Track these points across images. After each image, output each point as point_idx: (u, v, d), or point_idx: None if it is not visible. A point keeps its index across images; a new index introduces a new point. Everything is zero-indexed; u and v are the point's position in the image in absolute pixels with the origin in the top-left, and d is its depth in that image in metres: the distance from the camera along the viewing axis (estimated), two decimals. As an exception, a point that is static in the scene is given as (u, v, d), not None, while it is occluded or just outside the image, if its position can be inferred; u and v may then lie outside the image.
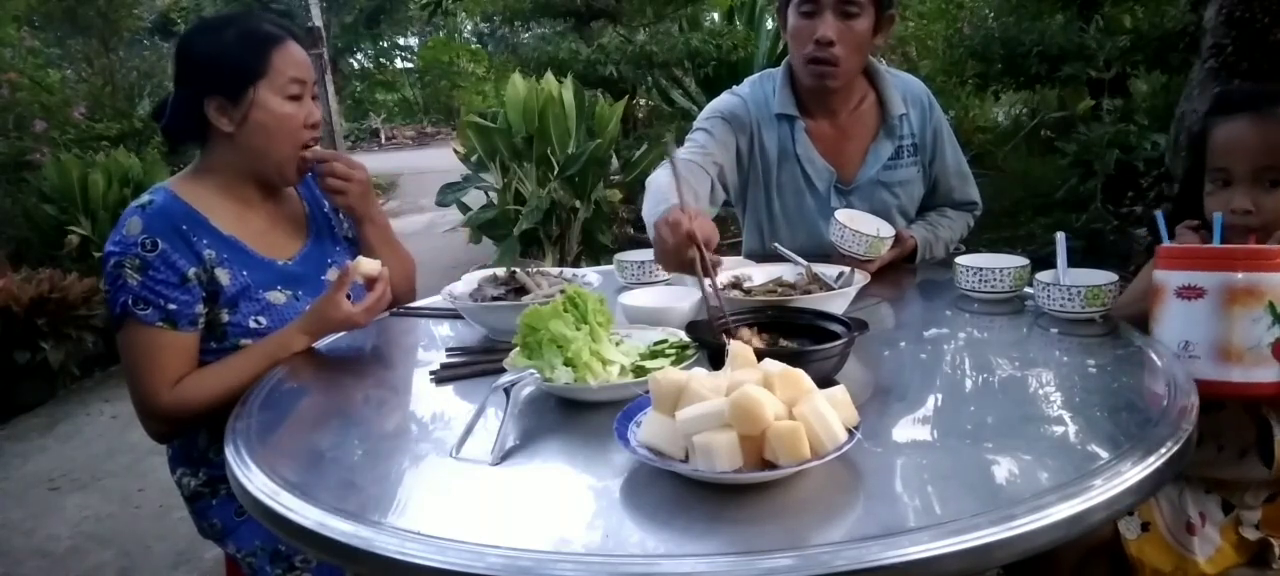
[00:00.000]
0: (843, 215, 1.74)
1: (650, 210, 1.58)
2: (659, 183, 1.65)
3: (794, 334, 1.25)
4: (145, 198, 1.49)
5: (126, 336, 1.44)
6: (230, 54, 1.48)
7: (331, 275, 1.63)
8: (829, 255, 1.70)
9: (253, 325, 1.50)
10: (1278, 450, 1.31)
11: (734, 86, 1.97)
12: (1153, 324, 1.28)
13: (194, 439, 1.55)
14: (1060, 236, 1.48)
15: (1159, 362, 1.19)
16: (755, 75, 1.98)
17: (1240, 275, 1.17)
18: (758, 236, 1.97)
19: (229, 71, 1.47)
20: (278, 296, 1.54)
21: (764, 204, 1.94)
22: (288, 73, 1.48)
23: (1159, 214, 1.37)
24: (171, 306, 1.43)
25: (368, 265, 1.48)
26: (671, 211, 1.33)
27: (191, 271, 1.45)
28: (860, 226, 1.71)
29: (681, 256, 1.30)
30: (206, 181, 1.54)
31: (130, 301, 1.41)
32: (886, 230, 1.76)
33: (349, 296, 1.46)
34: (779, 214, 1.93)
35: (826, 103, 1.87)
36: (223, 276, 1.48)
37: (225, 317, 1.49)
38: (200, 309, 1.46)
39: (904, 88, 1.93)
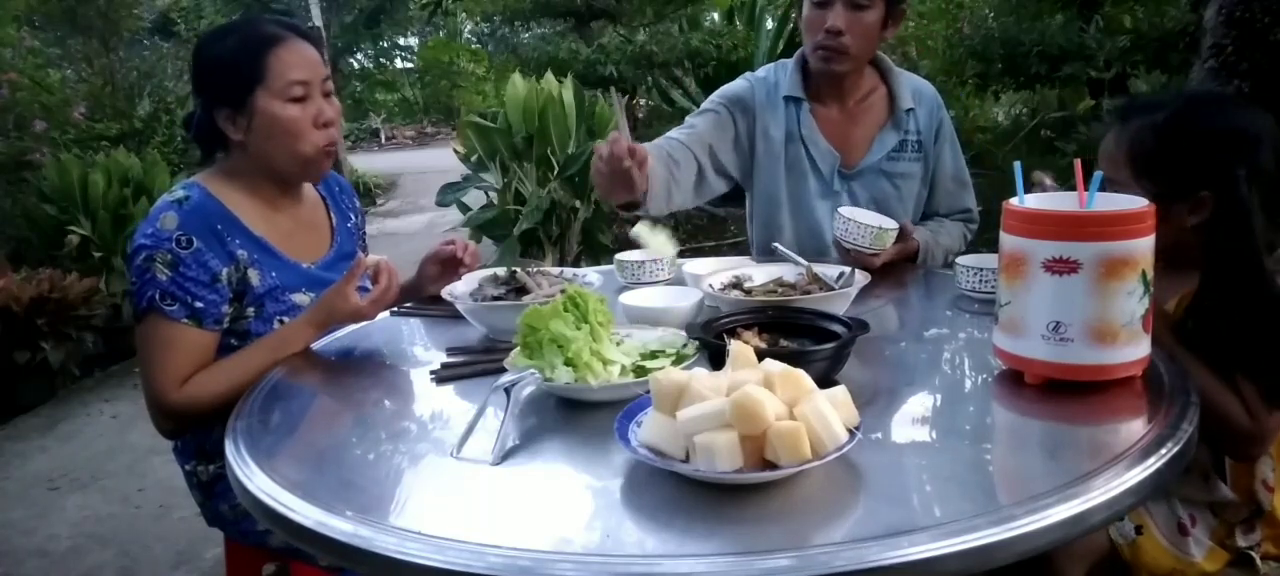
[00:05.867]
0: (845, 210, 1.76)
1: None
2: None
3: (794, 334, 1.25)
4: (180, 192, 1.49)
5: (148, 329, 1.43)
6: (229, 63, 1.48)
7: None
8: (828, 250, 1.71)
9: (278, 326, 1.51)
10: (1228, 470, 1.31)
11: (748, 72, 2.03)
12: (1009, 296, 1.11)
13: (209, 432, 1.54)
14: None
15: (1159, 363, 1.19)
16: (771, 64, 2.04)
17: (1117, 244, 1.03)
18: (763, 227, 2.00)
19: (229, 81, 1.47)
20: (303, 298, 1.54)
21: (768, 187, 1.97)
22: (287, 76, 1.47)
23: (1017, 165, 1.19)
24: (199, 304, 1.43)
25: (376, 258, 1.47)
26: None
27: (224, 272, 1.45)
28: (863, 219, 1.72)
29: (612, 154, 1.47)
30: (234, 182, 1.54)
31: (158, 296, 1.41)
32: (889, 222, 1.77)
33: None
34: (784, 198, 1.96)
35: (835, 89, 1.93)
36: (253, 277, 1.49)
37: (250, 315, 1.50)
38: (227, 309, 1.47)
39: (914, 86, 1.99)
